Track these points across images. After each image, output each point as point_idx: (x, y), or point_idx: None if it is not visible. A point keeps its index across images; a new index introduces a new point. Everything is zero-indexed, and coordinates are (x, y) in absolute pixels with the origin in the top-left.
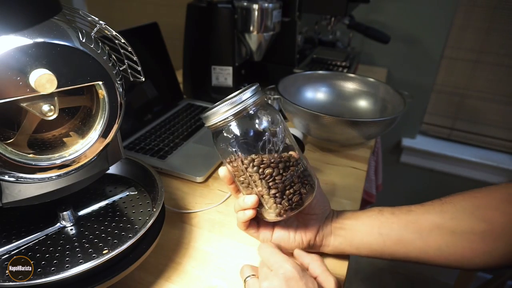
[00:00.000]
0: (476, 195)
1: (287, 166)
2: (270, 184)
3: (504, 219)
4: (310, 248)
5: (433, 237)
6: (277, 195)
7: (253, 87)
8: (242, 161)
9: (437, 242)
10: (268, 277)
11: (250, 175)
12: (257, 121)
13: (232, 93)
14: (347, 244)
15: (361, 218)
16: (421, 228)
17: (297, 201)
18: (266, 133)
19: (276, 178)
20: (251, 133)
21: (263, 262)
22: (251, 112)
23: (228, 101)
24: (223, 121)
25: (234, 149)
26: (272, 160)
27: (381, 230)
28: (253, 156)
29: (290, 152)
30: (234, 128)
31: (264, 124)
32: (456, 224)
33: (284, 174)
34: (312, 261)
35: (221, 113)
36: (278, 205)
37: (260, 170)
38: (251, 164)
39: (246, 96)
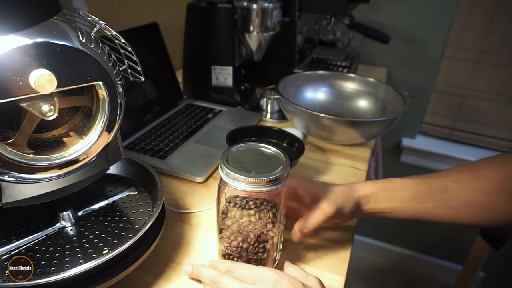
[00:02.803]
0: (509, 167)
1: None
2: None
3: None
4: None
5: (463, 211)
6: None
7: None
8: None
9: (466, 215)
10: None
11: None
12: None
13: (232, 93)
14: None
15: (396, 201)
16: (453, 205)
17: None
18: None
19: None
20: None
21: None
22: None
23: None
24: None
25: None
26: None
27: (415, 211)
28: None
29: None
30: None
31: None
32: (487, 200)
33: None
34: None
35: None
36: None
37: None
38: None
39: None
